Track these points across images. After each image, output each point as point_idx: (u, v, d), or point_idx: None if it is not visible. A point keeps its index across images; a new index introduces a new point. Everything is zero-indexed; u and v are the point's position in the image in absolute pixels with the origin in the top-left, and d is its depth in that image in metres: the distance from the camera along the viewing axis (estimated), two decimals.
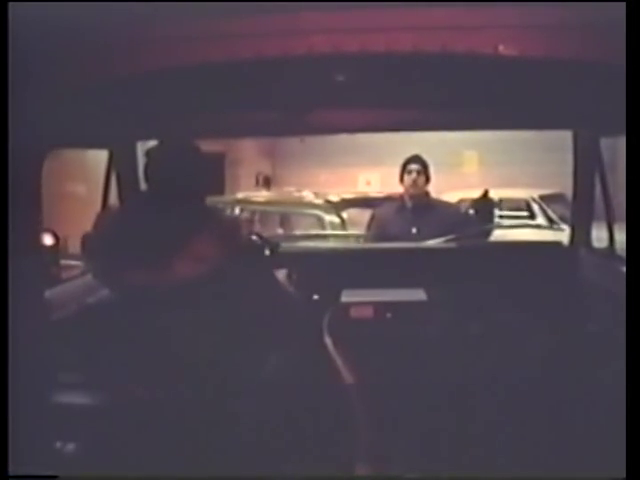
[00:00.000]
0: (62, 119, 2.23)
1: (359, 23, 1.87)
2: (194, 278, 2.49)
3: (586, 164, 3.78)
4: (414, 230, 4.44)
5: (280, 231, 8.31)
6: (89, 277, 3.03)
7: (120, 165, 3.68)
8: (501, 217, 11.54)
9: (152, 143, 2.85)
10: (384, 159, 13.91)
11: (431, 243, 4.20)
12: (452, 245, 4.10)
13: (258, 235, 3.15)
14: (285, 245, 3.89)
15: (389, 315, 3.30)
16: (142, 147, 3.75)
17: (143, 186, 3.62)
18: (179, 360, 2.34)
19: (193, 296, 2.45)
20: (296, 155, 15.66)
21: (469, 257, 3.87)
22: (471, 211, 4.62)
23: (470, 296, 3.49)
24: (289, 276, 3.47)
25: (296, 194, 8.58)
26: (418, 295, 3.40)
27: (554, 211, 10.96)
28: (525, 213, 11.54)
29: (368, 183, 14.90)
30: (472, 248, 4.09)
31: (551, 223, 10.60)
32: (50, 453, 2.05)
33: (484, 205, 4.48)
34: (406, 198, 4.63)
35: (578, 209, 4.08)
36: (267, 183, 14.65)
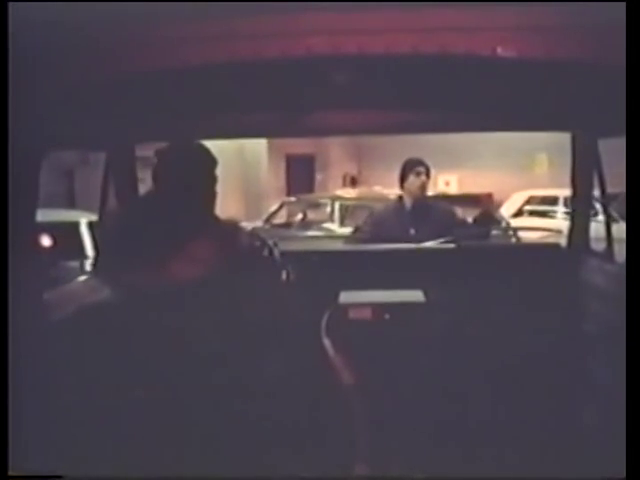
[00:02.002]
0: (62, 120, 2.22)
1: (358, 24, 1.87)
2: (194, 280, 2.49)
3: (584, 165, 3.79)
4: (412, 231, 4.46)
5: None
6: (89, 278, 3.03)
7: (120, 166, 3.67)
8: (567, 213, 12.25)
9: (162, 144, 2.85)
10: (461, 162, 15.52)
11: (429, 244, 4.20)
12: (450, 246, 4.10)
13: (257, 236, 3.15)
14: (282, 246, 3.89)
15: (387, 316, 3.30)
16: (140, 149, 3.77)
17: (142, 188, 3.65)
18: (178, 361, 2.33)
19: (192, 298, 2.45)
20: (379, 158, 17.05)
21: (467, 258, 3.87)
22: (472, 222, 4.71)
23: (468, 297, 3.49)
24: (287, 277, 3.47)
25: (385, 191, 9.65)
26: (416, 296, 3.40)
27: (614, 209, 11.25)
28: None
29: (447, 184, 16.19)
30: (470, 249, 4.09)
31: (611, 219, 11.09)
32: (50, 453, 2.05)
33: (486, 220, 4.57)
34: (406, 200, 4.67)
35: (576, 210, 4.08)
36: (353, 183, 15.48)
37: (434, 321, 3.27)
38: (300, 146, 17.40)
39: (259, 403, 2.40)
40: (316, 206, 12.27)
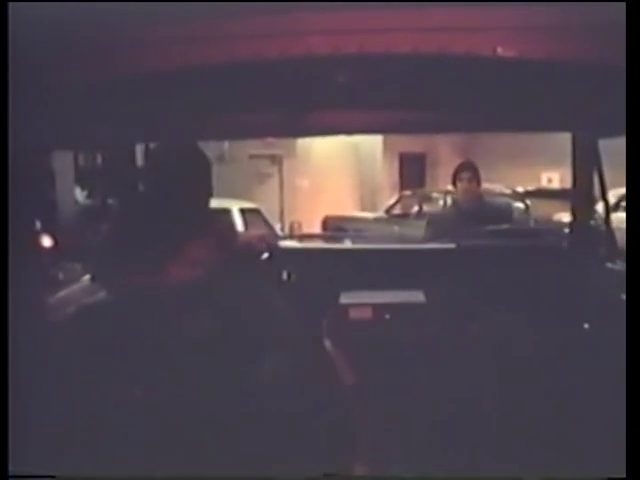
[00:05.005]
0: (62, 120, 2.23)
1: (358, 24, 1.87)
2: (191, 280, 2.48)
3: (585, 164, 3.80)
4: (465, 231, 4.54)
5: None
6: (88, 280, 3.03)
7: (120, 165, 3.67)
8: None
9: (158, 144, 2.85)
10: (564, 160, 15.59)
11: (430, 244, 4.20)
12: (451, 246, 4.10)
13: (258, 236, 3.15)
14: (283, 246, 3.90)
15: (388, 316, 3.30)
16: (140, 148, 3.77)
17: (141, 188, 3.64)
18: (177, 362, 2.33)
19: (190, 298, 2.44)
20: (486, 155, 17.73)
21: (468, 258, 3.86)
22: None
23: (469, 297, 3.49)
24: (288, 277, 3.46)
25: (489, 186, 10.27)
26: (416, 297, 3.40)
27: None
28: None
29: (550, 180, 16.90)
30: (470, 249, 4.08)
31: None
32: (50, 453, 2.05)
33: None
34: (460, 201, 4.96)
35: (577, 209, 4.08)
36: None
37: (434, 321, 3.27)
38: (412, 145, 18.65)
39: (259, 403, 2.40)
40: (429, 199, 13.62)
